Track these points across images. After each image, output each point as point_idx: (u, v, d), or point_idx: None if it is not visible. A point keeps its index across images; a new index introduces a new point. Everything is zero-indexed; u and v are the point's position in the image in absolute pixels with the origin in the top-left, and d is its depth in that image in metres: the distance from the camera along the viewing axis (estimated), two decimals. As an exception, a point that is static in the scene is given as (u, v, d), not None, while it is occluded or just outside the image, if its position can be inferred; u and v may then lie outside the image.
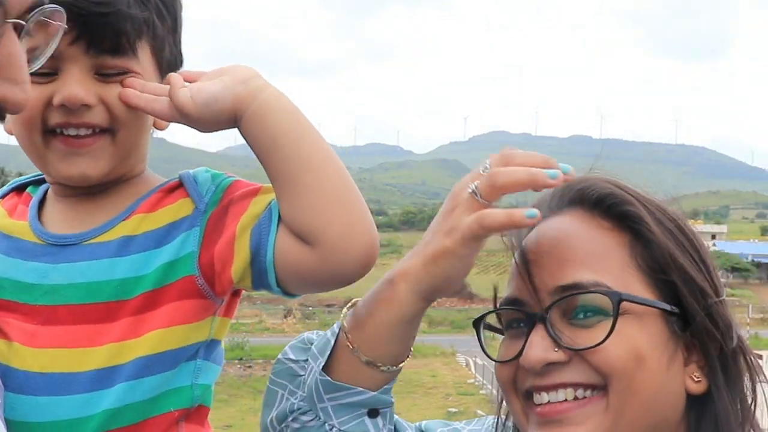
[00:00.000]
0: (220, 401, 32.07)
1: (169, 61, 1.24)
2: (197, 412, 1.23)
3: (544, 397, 0.98)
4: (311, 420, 1.13)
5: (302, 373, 1.15)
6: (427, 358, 40.78)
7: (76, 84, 1.12)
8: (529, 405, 1.01)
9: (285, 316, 53.56)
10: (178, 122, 1.19)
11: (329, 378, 1.10)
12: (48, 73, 1.12)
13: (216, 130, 1.20)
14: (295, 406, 1.15)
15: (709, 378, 1.01)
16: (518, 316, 1.04)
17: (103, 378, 1.13)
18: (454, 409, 30.62)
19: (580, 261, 1.00)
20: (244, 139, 1.16)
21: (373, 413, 1.13)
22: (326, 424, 1.12)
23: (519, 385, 1.02)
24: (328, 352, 1.12)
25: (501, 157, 1.05)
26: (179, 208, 1.20)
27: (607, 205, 1.04)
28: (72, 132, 1.15)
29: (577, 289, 0.98)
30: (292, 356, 1.19)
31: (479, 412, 31.23)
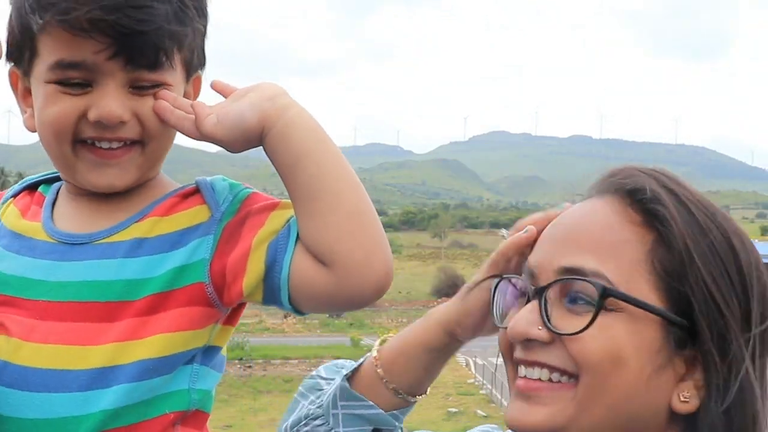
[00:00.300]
0: (220, 401, 32.09)
1: (195, 66, 1.25)
2: (195, 417, 1.22)
3: (523, 371, 0.99)
4: (321, 425, 1.20)
5: (326, 387, 1.23)
6: (427, 358, 40.75)
7: (113, 100, 1.12)
8: (514, 376, 1.01)
9: (285, 316, 53.47)
10: (208, 142, 1.20)
11: (348, 385, 1.19)
12: (82, 84, 1.12)
13: (247, 149, 1.20)
14: (310, 412, 1.22)
15: (702, 402, 0.95)
16: (528, 286, 1.03)
17: (102, 377, 1.12)
18: (454, 409, 30.63)
19: (591, 247, 0.97)
20: (268, 155, 1.17)
21: None
22: (333, 431, 1.18)
23: (513, 354, 1.03)
24: (356, 365, 1.23)
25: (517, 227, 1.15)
26: (195, 214, 1.20)
27: (638, 199, 0.99)
28: (105, 145, 1.15)
29: (574, 274, 0.96)
30: (323, 374, 1.28)
31: (479, 412, 31.17)
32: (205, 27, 1.23)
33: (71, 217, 1.22)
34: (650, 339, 0.93)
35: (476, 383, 35.83)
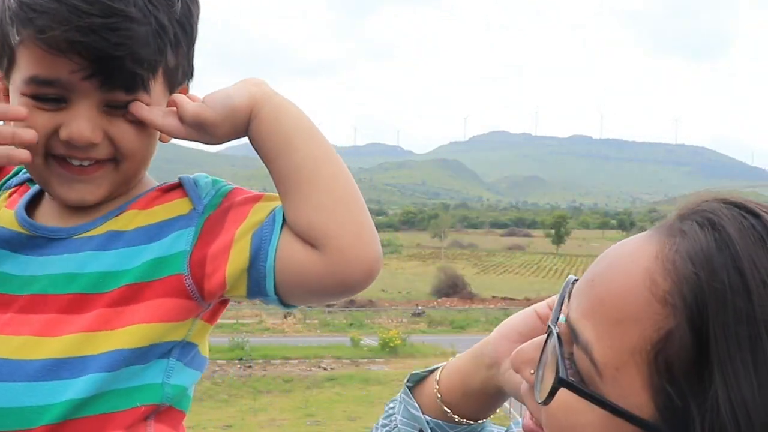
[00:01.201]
0: (220, 401, 32.08)
1: (179, 80, 1.22)
2: (169, 414, 1.20)
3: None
4: (392, 407, 1.22)
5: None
6: (427, 358, 40.72)
7: (85, 121, 1.11)
8: None
9: (285, 316, 53.48)
10: (191, 138, 1.18)
11: (410, 388, 1.20)
12: (56, 99, 1.11)
13: (233, 135, 1.18)
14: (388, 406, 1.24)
15: None
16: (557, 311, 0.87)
17: (68, 367, 1.10)
18: (454, 409, 30.61)
19: (595, 310, 0.77)
20: (255, 140, 1.16)
21: None
22: (394, 415, 1.21)
23: None
24: (429, 371, 1.20)
25: None
26: (176, 206, 1.19)
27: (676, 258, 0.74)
28: (76, 162, 1.15)
29: (573, 333, 0.78)
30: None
31: (479, 412, 31.23)
32: (191, 42, 1.20)
33: (53, 212, 1.21)
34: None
35: (476, 383, 35.81)
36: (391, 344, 40.67)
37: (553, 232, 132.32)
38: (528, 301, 68.53)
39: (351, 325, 52.27)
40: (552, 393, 0.76)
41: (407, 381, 1.21)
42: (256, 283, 1.14)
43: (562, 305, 0.85)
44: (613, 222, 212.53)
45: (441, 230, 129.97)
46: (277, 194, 1.17)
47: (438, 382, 1.17)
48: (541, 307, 1.08)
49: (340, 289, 1.14)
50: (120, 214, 1.19)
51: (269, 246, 1.12)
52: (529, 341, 0.87)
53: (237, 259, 1.13)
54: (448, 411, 1.15)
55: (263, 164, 1.18)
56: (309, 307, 58.65)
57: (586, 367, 0.75)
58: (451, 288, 71.86)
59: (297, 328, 50.47)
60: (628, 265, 0.76)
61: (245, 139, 1.21)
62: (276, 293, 1.14)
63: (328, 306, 60.77)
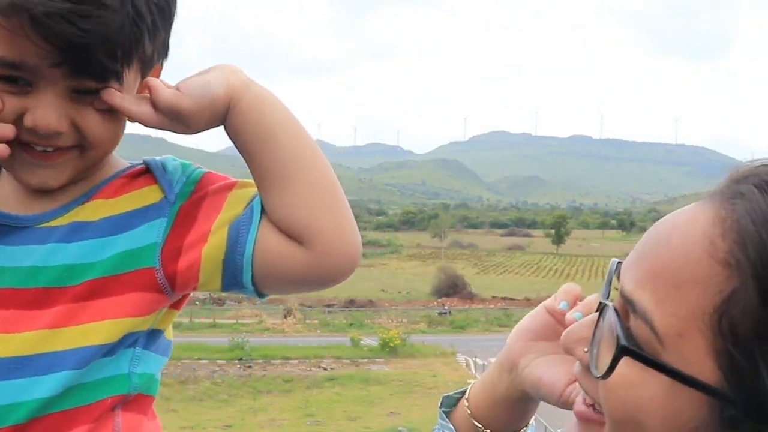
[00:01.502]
0: (220, 401, 32.09)
1: (154, 62, 1.14)
2: (137, 401, 1.16)
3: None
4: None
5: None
6: (427, 358, 40.77)
7: (51, 110, 1.04)
8: None
9: (285, 316, 53.53)
10: (164, 127, 1.11)
11: (444, 408, 1.19)
12: (23, 81, 1.04)
13: (209, 126, 1.12)
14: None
15: None
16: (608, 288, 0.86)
17: (33, 365, 1.06)
18: (454, 409, 30.61)
19: (653, 277, 0.75)
20: (233, 131, 1.10)
21: None
22: (440, 423, 1.19)
23: None
24: (461, 392, 1.19)
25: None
26: (145, 195, 1.13)
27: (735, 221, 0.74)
28: (39, 148, 1.08)
29: (629, 304, 0.77)
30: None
31: (479, 412, 31.21)
32: (169, 26, 1.12)
33: (14, 198, 1.15)
34: (688, 413, 0.73)
35: (476, 383, 35.82)
36: (391, 344, 40.67)
37: (553, 232, 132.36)
38: (528, 301, 68.65)
39: (351, 325, 52.24)
40: (613, 365, 0.74)
41: (441, 406, 1.19)
42: (232, 276, 1.10)
43: (610, 284, 0.84)
44: (613, 222, 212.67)
45: (441, 230, 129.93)
46: (252, 181, 1.13)
47: (467, 399, 1.15)
48: (549, 302, 1.08)
49: (322, 281, 1.12)
50: (85, 202, 1.13)
51: (247, 239, 1.09)
52: (578, 321, 0.85)
53: (212, 252, 1.09)
54: (480, 426, 1.13)
55: None
56: (309, 308, 58.71)
57: (647, 336, 0.74)
58: (451, 288, 71.90)
59: (297, 328, 50.46)
60: (684, 231, 0.75)
61: None
62: (254, 284, 1.12)
63: (328, 306, 60.86)
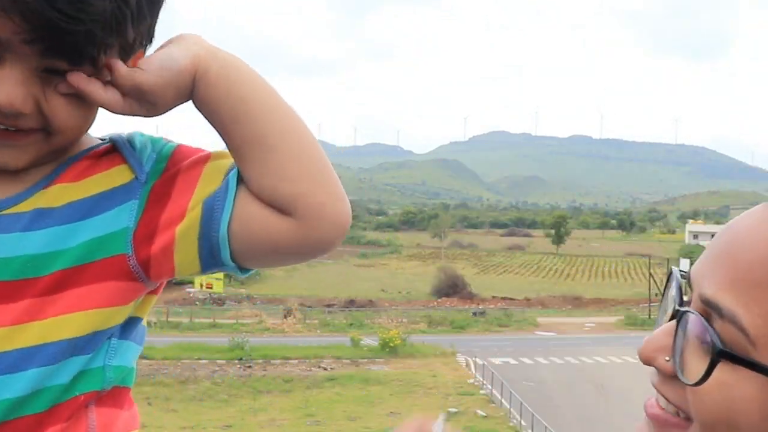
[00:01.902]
0: (220, 401, 32.08)
1: (136, 48, 1.05)
2: (112, 394, 1.09)
3: (654, 391, 0.86)
4: None
5: None
6: (427, 358, 40.77)
7: (16, 87, 0.96)
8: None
9: (285, 316, 53.50)
10: (133, 111, 1.03)
11: None
12: None
13: (177, 101, 1.04)
14: None
15: None
16: (678, 296, 0.86)
17: (3, 365, 0.99)
18: (454, 409, 30.61)
19: (736, 278, 0.76)
20: (203, 104, 1.02)
21: None
22: None
23: None
24: None
25: None
26: (113, 176, 1.05)
27: None
28: (1, 126, 1.00)
29: (711, 308, 0.77)
30: None
31: (479, 412, 31.15)
32: (156, 12, 1.05)
33: None
34: None
35: (476, 383, 35.78)
36: (391, 344, 40.70)
37: (553, 232, 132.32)
38: (528, 301, 68.70)
39: (351, 325, 52.24)
40: (710, 370, 0.74)
41: None
42: (209, 255, 1.03)
43: (681, 292, 0.83)
44: (613, 222, 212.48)
45: (441, 230, 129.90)
46: (227, 151, 1.05)
47: None
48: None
49: (310, 252, 1.06)
50: (48, 186, 1.04)
51: (222, 214, 1.01)
52: (655, 331, 0.84)
53: (186, 231, 1.02)
54: None
55: None
56: (309, 308, 58.73)
57: (736, 338, 0.74)
58: (451, 288, 71.87)
59: (297, 328, 50.45)
60: (760, 231, 0.75)
61: None
62: (234, 260, 1.05)
63: (328, 306, 60.87)
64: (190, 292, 59.87)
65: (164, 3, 1.07)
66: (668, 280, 0.88)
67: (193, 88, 1.02)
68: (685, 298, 0.83)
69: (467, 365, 39.39)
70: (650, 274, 62.09)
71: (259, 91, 1.04)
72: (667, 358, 0.81)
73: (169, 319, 48.26)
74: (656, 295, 60.59)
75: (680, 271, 0.85)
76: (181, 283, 63.01)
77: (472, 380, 36.26)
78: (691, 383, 0.76)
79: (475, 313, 58.55)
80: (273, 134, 1.02)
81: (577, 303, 67.13)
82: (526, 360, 40.83)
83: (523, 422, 28.16)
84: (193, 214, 1.02)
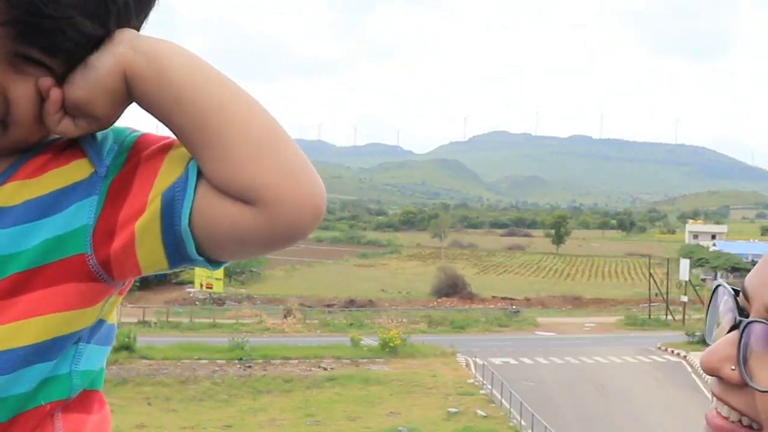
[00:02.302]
0: (220, 401, 32.08)
1: None
2: (80, 400, 1.03)
3: (714, 402, 0.88)
4: None
5: None
6: (427, 358, 40.75)
7: None
8: (712, 399, 0.90)
9: (285, 316, 53.46)
10: (90, 130, 0.98)
11: None
12: None
13: (117, 108, 0.97)
14: None
15: None
16: (736, 308, 0.88)
17: None
18: (454, 409, 30.63)
19: None
20: (145, 101, 0.95)
21: None
22: None
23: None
24: None
25: None
26: (72, 171, 0.98)
27: None
28: None
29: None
30: None
31: (479, 412, 31.16)
32: (143, 15, 1.01)
33: None
34: None
35: (476, 383, 35.77)
36: (391, 344, 40.68)
37: (553, 232, 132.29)
38: (528, 301, 68.68)
39: (351, 325, 52.20)
40: None
41: None
42: (175, 250, 0.96)
43: (738, 304, 0.86)
44: (613, 222, 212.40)
45: (441, 230, 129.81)
46: None
47: None
48: None
49: (281, 241, 0.97)
50: (4, 183, 0.97)
51: (182, 207, 0.94)
52: (717, 342, 0.86)
53: (146, 226, 0.94)
54: None
55: None
56: (309, 307, 58.72)
57: None
58: (451, 288, 71.84)
59: (297, 328, 50.42)
60: None
61: None
62: (202, 253, 0.97)
63: (328, 306, 60.87)
64: (190, 292, 59.91)
65: (154, 6, 1.02)
66: (713, 294, 0.90)
67: (128, 89, 0.95)
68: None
69: (467, 365, 39.38)
70: (650, 274, 62.06)
71: (198, 77, 0.95)
72: (733, 367, 0.82)
73: (169, 319, 48.32)
74: (656, 295, 60.70)
75: (728, 284, 0.88)
76: (181, 283, 63.04)
77: (472, 380, 36.24)
78: (762, 389, 0.78)
79: (511, 311, 59.05)
80: (219, 123, 0.94)
81: (577, 303, 67.22)
82: (526, 360, 40.81)
83: (523, 422, 28.14)
84: (153, 207, 0.94)
